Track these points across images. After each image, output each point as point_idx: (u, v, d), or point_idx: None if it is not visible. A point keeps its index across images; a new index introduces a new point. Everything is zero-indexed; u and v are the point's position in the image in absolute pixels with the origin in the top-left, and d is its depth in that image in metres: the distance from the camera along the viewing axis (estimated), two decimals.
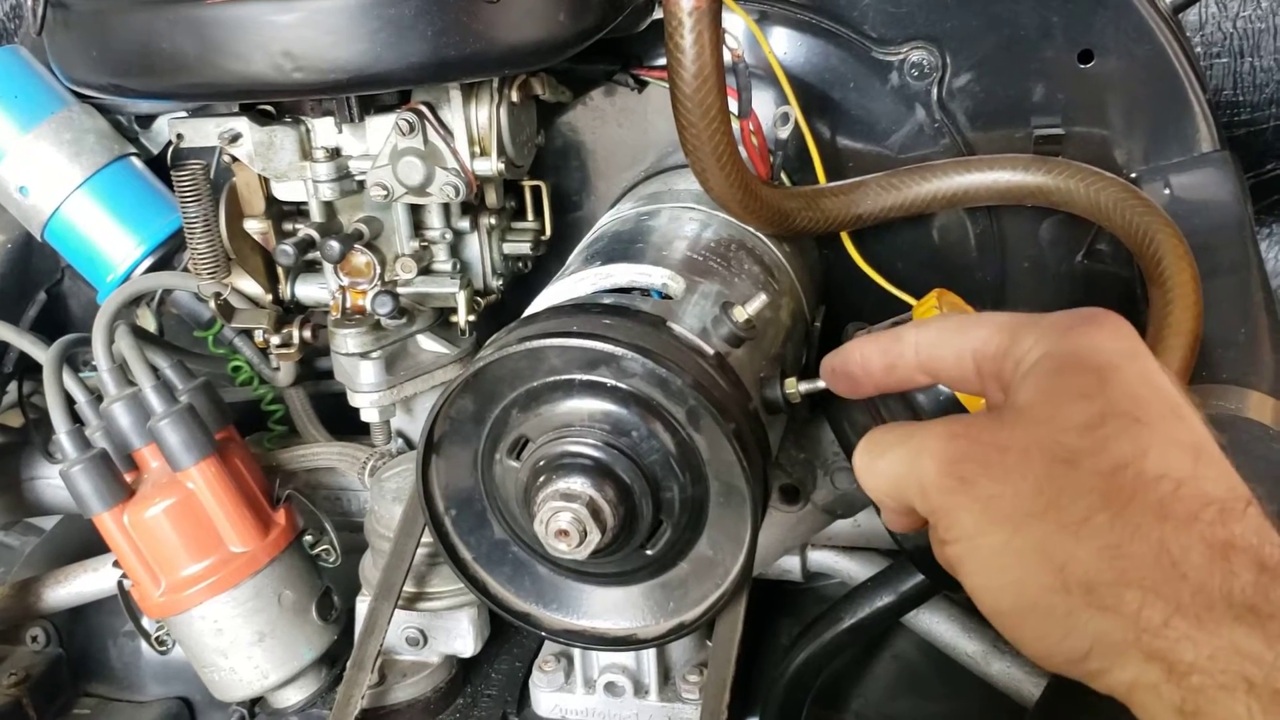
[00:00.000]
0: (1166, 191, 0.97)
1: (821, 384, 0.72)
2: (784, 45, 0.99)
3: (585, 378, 0.68)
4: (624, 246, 0.85)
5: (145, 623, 1.01)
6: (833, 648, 0.91)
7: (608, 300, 0.75)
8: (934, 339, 0.60)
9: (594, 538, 0.67)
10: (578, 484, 0.67)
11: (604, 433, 0.68)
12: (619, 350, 0.66)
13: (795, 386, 0.73)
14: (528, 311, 0.78)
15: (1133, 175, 0.97)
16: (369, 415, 0.99)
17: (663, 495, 0.70)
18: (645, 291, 0.78)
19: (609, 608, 0.77)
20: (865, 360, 0.64)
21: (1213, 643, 0.46)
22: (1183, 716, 0.47)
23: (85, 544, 1.15)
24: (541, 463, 0.69)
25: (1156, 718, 0.48)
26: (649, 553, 0.72)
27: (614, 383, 0.68)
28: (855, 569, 1.03)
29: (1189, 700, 0.46)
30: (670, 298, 0.76)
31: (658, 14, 0.91)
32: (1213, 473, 0.51)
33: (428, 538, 0.80)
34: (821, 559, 1.05)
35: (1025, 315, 0.57)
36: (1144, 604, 0.48)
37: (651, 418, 0.68)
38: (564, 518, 0.67)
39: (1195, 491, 0.50)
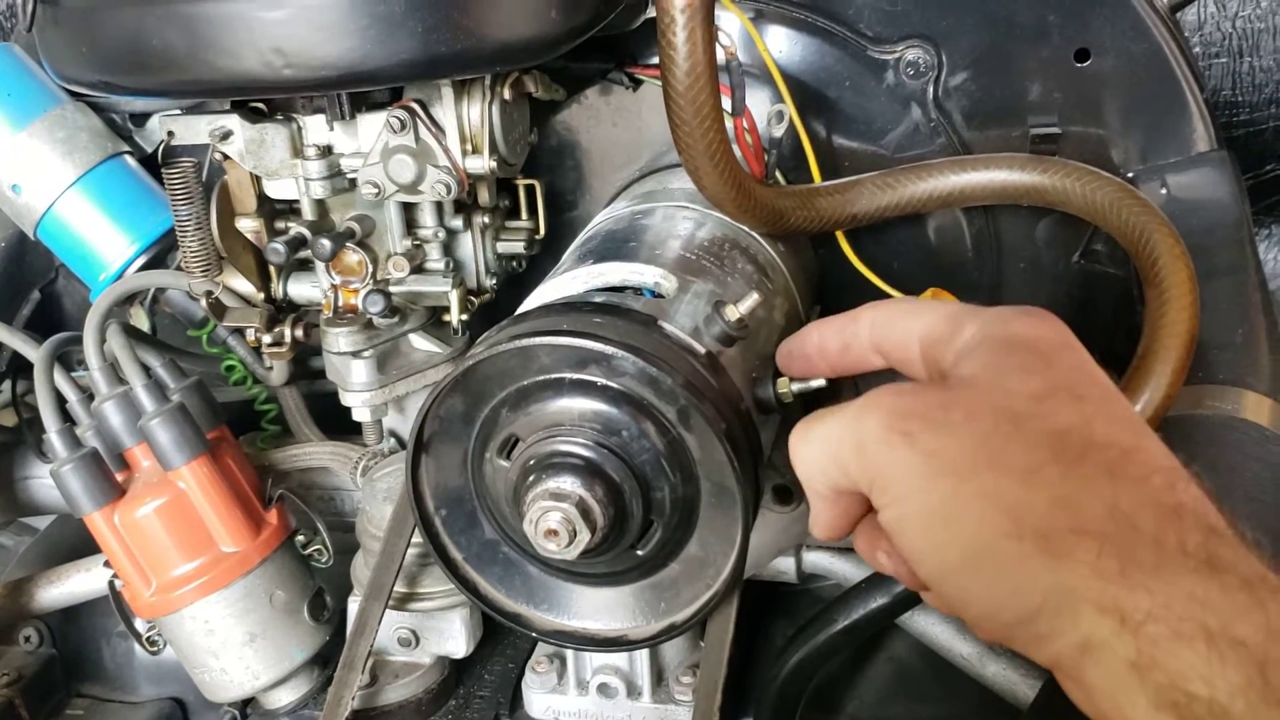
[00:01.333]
0: (1164, 191, 0.96)
1: (814, 384, 0.72)
2: (779, 43, 0.99)
3: (576, 376, 0.68)
4: (617, 245, 0.84)
5: (136, 623, 1.00)
6: (827, 650, 0.90)
7: (599, 299, 0.75)
8: (886, 319, 0.62)
9: (583, 538, 0.66)
10: (567, 483, 0.67)
11: (594, 432, 0.68)
12: (610, 349, 0.66)
13: (788, 386, 0.73)
14: (519, 310, 0.78)
15: (1130, 175, 0.97)
16: (360, 414, 0.99)
17: (653, 495, 0.69)
18: (638, 290, 0.77)
19: (600, 608, 0.76)
20: (822, 340, 0.65)
21: (1169, 591, 0.45)
22: (1136, 671, 0.45)
23: (79, 544, 1.14)
24: (531, 462, 0.69)
25: (1107, 677, 0.46)
26: (640, 553, 0.71)
27: (604, 382, 0.67)
28: (850, 570, 1.03)
29: (1144, 652, 0.45)
30: (663, 296, 0.76)
31: (652, 11, 0.91)
32: (1154, 446, 0.51)
33: (419, 538, 0.79)
34: (816, 560, 1.04)
35: (970, 306, 0.58)
36: (1101, 552, 0.47)
37: (642, 417, 0.68)
38: (553, 517, 0.66)
39: (1143, 459, 0.50)
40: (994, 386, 0.53)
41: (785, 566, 1.03)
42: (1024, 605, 0.48)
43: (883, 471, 0.52)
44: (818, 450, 0.56)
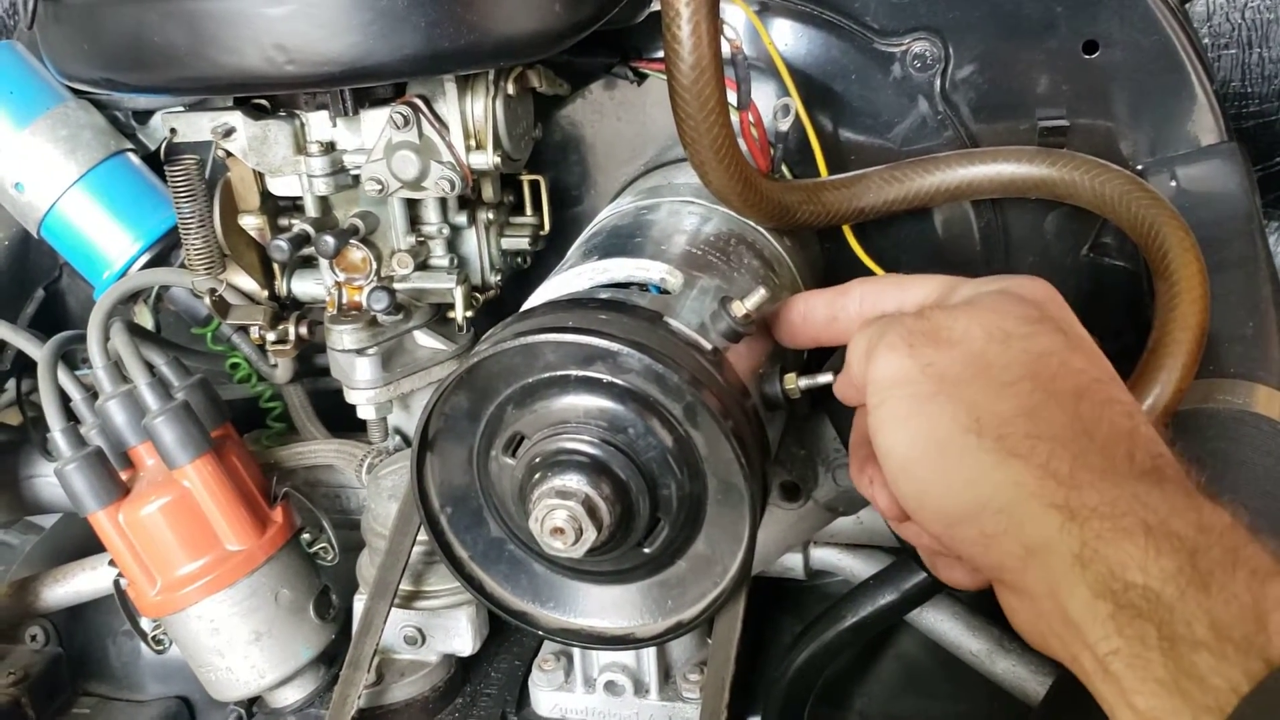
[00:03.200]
0: (1173, 184, 0.95)
1: (822, 380, 0.72)
2: (785, 36, 0.98)
3: (581, 373, 0.67)
4: (622, 241, 0.84)
5: (142, 622, 1.00)
6: (835, 646, 0.90)
7: (605, 295, 0.74)
8: (877, 292, 0.66)
9: (590, 536, 0.66)
10: (573, 481, 0.66)
11: (600, 429, 0.67)
12: (615, 346, 0.65)
13: (795, 382, 0.73)
14: (524, 307, 0.77)
15: (1139, 167, 0.96)
16: (365, 412, 0.98)
17: (660, 493, 0.69)
18: (643, 286, 0.77)
19: (606, 606, 0.76)
20: (808, 310, 0.69)
21: (1114, 492, 0.50)
22: (1079, 564, 0.49)
23: (85, 542, 1.14)
24: (537, 460, 0.68)
25: (1049, 575, 0.50)
26: (646, 551, 0.71)
27: (610, 379, 0.67)
28: (858, 566, 1.02)
29: (1088, 545, 0.49)
30: (668, 292, 0.75)
31: (655, 5, 0.90)
32: (1120, 387, 0.57)
33: (424, 536, 0.79)
34: (824, 556, 1.04)
35: (961, 278, 0.63)
36: (1052, 455, 0.51)
37: (648, 414, 0.67)
38: (559, 515, 0.66)
39: (1109, 391, 0.56)
40: (991, 308, 0.58)
41: (793, 563, 1.03)
42: (974, 497, 0.53)
43: (878, 375, 0.58)
44: (860, 345, 0.61)
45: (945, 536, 0.56)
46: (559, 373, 0.68)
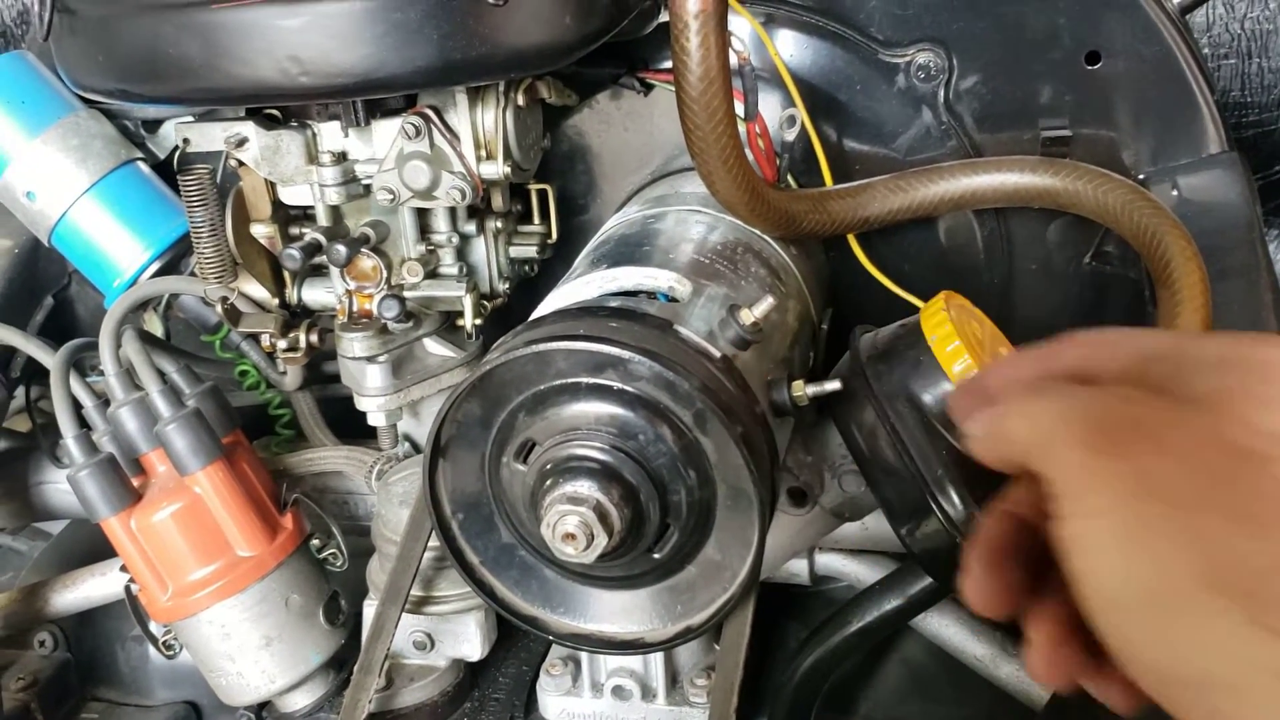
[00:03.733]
0: (1175, 193, 0.96)
1: (829, 387, 0.72)
2: (790, 47, 0.99)
3: (592, 381, 0.68)
4: (630, 249, 0.84)
5: (152, 627, 1.01)
6: (841, 651, 0.91)
7: (614, 303, 0.75)
8: (1105, 341, 0.51)
9: (601, 541, 0.66)
10: (584, 487, 0.67)
11: (611, 436, 0.68)
12: (626, 353, 0.66)
13: (803, 389, 0.73)
14: (534, 315, 0.78)
15: (1140, 177, 0.97)
16: (375, 419, 0.99)
17: (670, 499, 0.69)
18: (652, 295, 0.78)
19: (616, 611, 0.77)
20: (1016, 371, 0.53)
21: None
22: None
23: (93, 548, 1.14)
24: (548, 466, 0.69)
25: None
26: (656, 556, 0.71)
27: (621, 386, 0.68)
28: (863, 572, 1.03)
29: None
30: (677, 301, 0.76)
31: (664, 17, 0.91)
32: None
33: (435, 541, 0.80)
34: (829, 562, 1.05)
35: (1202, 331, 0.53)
36: None
37: (658, 421, 0.68)
38: (571, 521, 0.66)
39: None
40: (1234, 416, 0.44)
41: (798, 569, 1.04)
42: (1200, 667, 0.41)
43: (1076, 476, 0.44)
44: (1022, 429, 0.47)
45: (1156, 693, 0.43)
46: (570, 380, 0.68)
